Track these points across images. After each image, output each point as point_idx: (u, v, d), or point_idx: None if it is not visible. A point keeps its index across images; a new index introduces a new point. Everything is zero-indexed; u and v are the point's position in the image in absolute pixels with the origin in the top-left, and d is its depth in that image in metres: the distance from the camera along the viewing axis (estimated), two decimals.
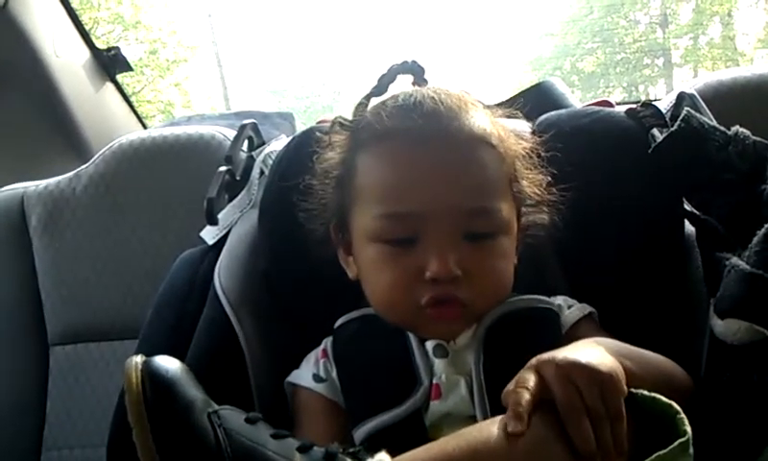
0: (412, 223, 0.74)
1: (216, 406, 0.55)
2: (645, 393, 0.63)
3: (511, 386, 0.62)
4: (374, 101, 0.84)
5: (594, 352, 0.63)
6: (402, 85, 0.85)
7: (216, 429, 0.52)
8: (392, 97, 0.82)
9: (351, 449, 0.57)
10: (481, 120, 0.79)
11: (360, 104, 0.84)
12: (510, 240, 0.78)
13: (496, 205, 0.76)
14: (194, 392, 0.54)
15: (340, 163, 0.83)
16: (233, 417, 0.55)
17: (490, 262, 0.76)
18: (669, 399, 0.62)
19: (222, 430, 0.52)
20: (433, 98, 0.78)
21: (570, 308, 0.80)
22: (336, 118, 0.85)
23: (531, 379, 0.61)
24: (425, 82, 0.86)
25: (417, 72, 0.86)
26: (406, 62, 0.86)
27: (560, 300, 0.82)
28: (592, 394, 0.59)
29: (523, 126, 1.01)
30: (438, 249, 0.73)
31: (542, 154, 0.85)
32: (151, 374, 0.53)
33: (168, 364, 0.55)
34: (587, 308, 0.81)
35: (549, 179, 0.84)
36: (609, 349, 0.66)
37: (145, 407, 0.51)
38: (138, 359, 0.54)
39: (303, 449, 0.55)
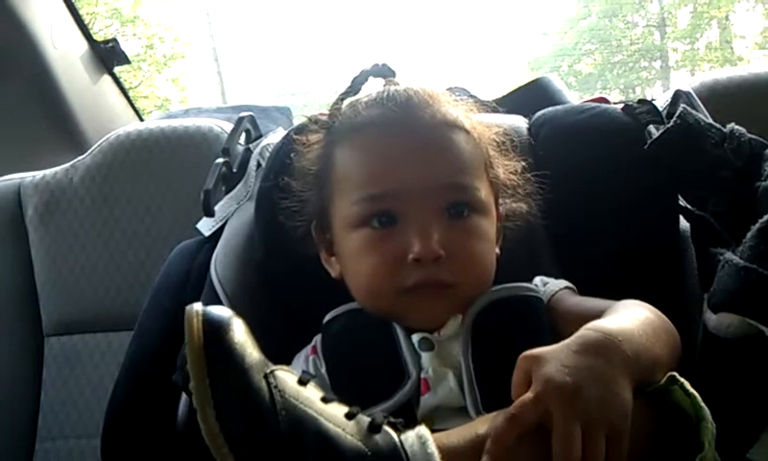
0: (391, 203, 0.75)
1: (272, 366, 0.55)
2: (684, 388, 0.62)
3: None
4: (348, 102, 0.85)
5: (605, 371, 0.59)
6: (375, 87, 0.86)
7: (272, 391, 0.52)
8: (366, 95, 0.84)
9: (392, 420, 0.58)
10: (453, 109, 0.81)
11: (334, 104, 0.85)
12: (489, 223, 0.79)
13: (473, 182, 0.77)
14: (252, 352, 0.54)
15: (317, 159, 0.84)
16: (288, 379, 0.55)
17: (470, 242, 0.76)
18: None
19: (277, 392, 0.52)
20: (406, 90, 0.80)
21: (546, 285, 0.81)
22: (311, 117, 0.86)
23: (531, 412, 0.57)
24: (397, 83, 0.87)
25: (388, 74, 0.87)
26: (377, 65, 0.87)
27: (536, 280, 0.82)
28: (596, 441, 0.55)
29: (520, 121, 1.02)
30: (419, 228, 0.73)
31: (530, 144, 0.85)
32: (210, 323, 0.53)
33: (224, 313, 0.55)
34: (562, 283, 0.81)
35: (523, 165, 0.85)
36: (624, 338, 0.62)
37: (206, 361, 0.52)
38: (198, 307, 0.54)
39: (350, 416, 0.55)
